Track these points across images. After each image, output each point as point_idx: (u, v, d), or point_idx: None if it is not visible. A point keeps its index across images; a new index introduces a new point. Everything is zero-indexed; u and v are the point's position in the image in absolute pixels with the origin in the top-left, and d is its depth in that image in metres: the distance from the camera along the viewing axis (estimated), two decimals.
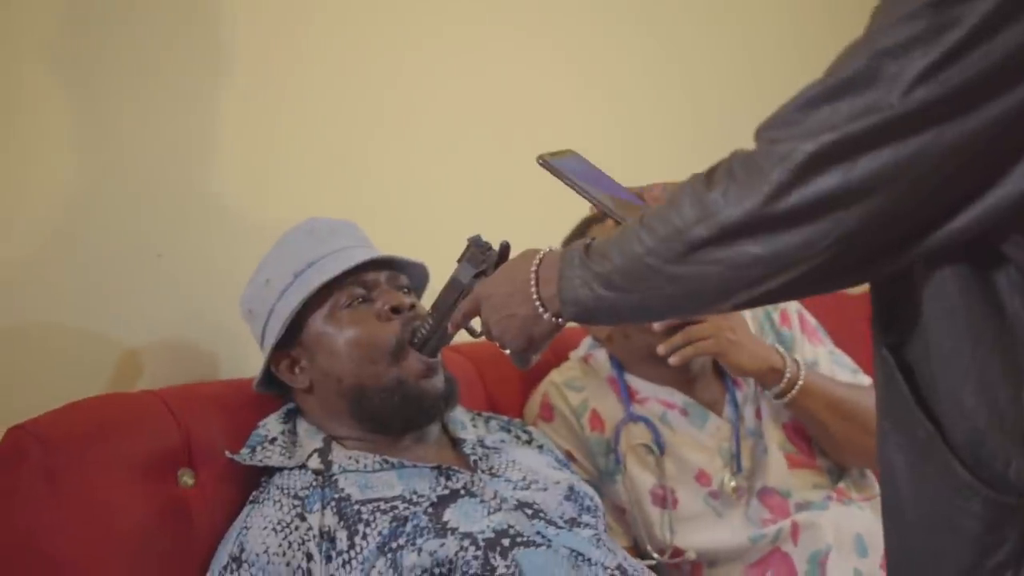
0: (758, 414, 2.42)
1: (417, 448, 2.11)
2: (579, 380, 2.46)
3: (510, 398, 2.47)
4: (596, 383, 2.45)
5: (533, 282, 1.66)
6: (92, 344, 2.22)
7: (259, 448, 2.07)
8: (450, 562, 1.88)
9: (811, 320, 2.56)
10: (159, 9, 2.32)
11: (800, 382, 2.31)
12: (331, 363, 2.08)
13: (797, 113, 1.36)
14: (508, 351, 1.79)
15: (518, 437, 2.24)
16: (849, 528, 2.33)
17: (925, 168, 1.30)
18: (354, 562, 1.91)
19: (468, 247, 1.93)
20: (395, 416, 2.07)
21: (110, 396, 2.12)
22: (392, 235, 2.27)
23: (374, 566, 1.90)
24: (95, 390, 2.15)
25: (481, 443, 2.15)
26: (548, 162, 1.76)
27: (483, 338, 1.86)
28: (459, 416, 2.20)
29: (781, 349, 2.35)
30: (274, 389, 2.16)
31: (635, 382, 2.44)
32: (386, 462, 2.04)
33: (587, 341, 2.53)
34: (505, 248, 1.90)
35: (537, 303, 1.66)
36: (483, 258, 1.91)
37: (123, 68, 2.26)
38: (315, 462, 2.04)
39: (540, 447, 2.23)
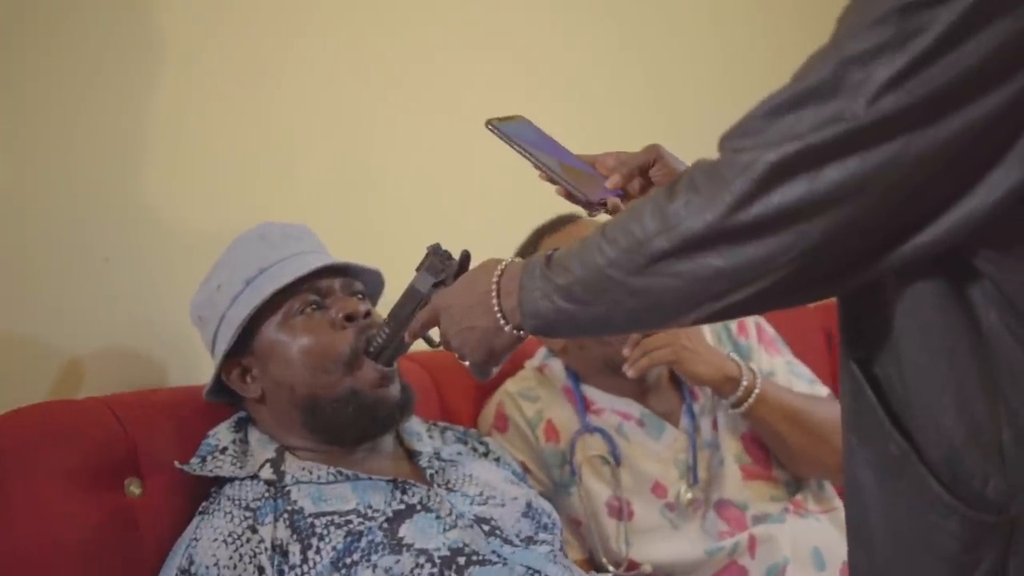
0: (715, 425, 2.40)
1: (372, 460, 2.06)
2: (534, 390, 2.42)
3: (464, 407, 2.43)
4: (551, 393, 2.42)
5: (495, 294, 1.62)
6: (35, 350, 2.16)
7: (209, 458, 2.02)
8: None
9: (769, 330, 2.54)
10: (101, 7, 2.26)
11: (756, 391, 2.29)
12: (284, 372, 2.03)
13: (761, 121, 1.32)
14: (467, 363, 1.75)
15: (475, 449, 2.20)
16: (806, 541, 2.31)
17: (891, 179, 1.27)
18: None
19: (427, 256, 1.89)
20: (349, 426, 2.02)
21: (54, 403, 2.06)
22: (346, 240, 2.23)
23: None
24: (37, 397, 2.08)
25: (437, 455, 2.11)
26: (497, 127, 1.73)
27: (441, 348, 1.82)
28: (415, 427, 2.15)
29: (737, 358, 2.33)
30: (224, 398, 2.11)
31: (591, 392, 2.41)
32: (340, 474, 1.99)
33: (542, 351, 2.50)
34: (465, 258, 1.86)
35: (499, 315, 1.62)
36: (442, 267, 1.87)
37: (65, 67, 2.20)
38: (267, 472, 1.99)
39: (497, 460, 2.19)
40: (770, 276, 1.35)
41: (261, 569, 1.87)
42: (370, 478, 1.99)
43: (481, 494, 2.04)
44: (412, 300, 1.90)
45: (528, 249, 2.40)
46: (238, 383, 2.07)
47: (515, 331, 1.62)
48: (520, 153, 1.73)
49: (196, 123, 2.38)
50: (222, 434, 2.07)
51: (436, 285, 1.86)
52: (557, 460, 2.35)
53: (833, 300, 3.04)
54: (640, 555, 2.30)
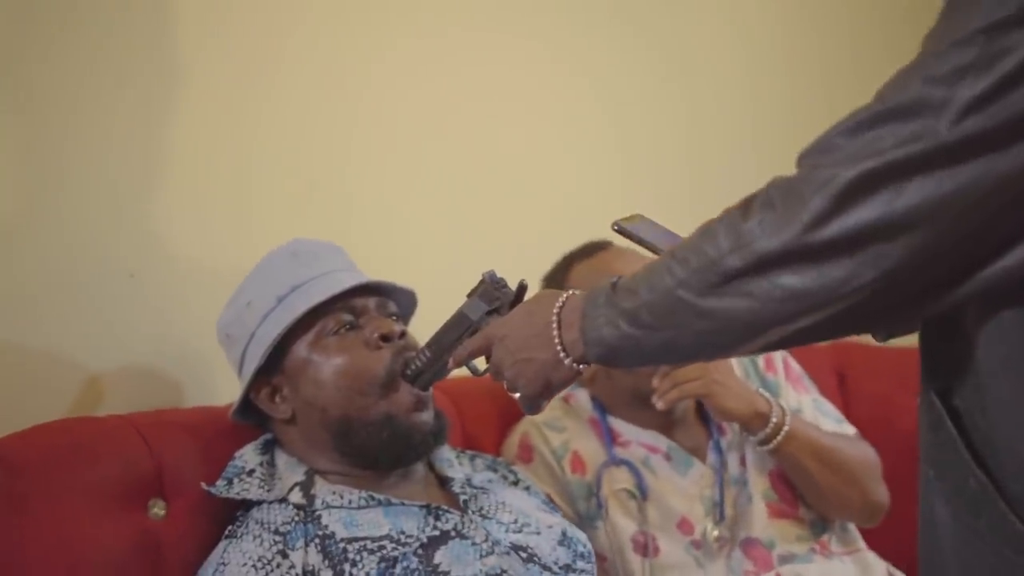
0: (742, 461, 2.36)
1: (403, 486, 2.01)
2: (560, 420, 2.38)
3: (487, 437, 2.38)
4: (577, 424, 2.37)
5: (555, 325, 1.59)
6: (56, 365, 2.12)
7: (236, 480, 1.96)
8: None
9: (796, 367, 2.50)
10: (130, 24, 2.23)
11: (786, 428, 2.25)
12: (316, 393, 1.98)
13: (841, 138, 1.30)
14: (517, 395, 1.71)
15: (505, 477, 2.15)
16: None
17: (973, 201, 1.25)
18: None
19: (481, 282, 1.84)
20: (383, 452, 1.97)
21: (78, 420, 2.02)
22: (374, 260, 2.18)
23: None
24: (56, 414, 2.05)
25: (469, 482, 2.06)
26: (623, 228, 1.75)
27: (484, 376, 1.79)
28: (445, 453, 2.10)
29: (767, 394, 2.29)
30: (251, 419, 2.05)
31: (617, 424, 2.37)
32: (372, 498, 1.94)
33: None
34: (522, 288, 1.82)
35: (559, 348, 1.59)
36: (497, 295, 1.82)
37: (91, 84, 2.17)
38: (296, 496, 1.93)
39: (527, 488, 2.14)
40: (846, 300, 1.32)
41: None
42: (403, 503, 1.94)
43: (516, 521, 1.99)
44: (460, 326, 1.85)
45: (558, 275, 2.36)
46: (267, 403, 2.02)
47: (575, 364, 1.59)
48: (650, 250, 1.74)
49: (224, 141, 2.35)
50: (249, 456, 2.01)
51: (489, 313, 1.82)
52: (583, 492, 2.30)
53: (843, 339, 3.05)
54: None
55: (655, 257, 1.68)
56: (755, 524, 2.30)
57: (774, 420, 2.24)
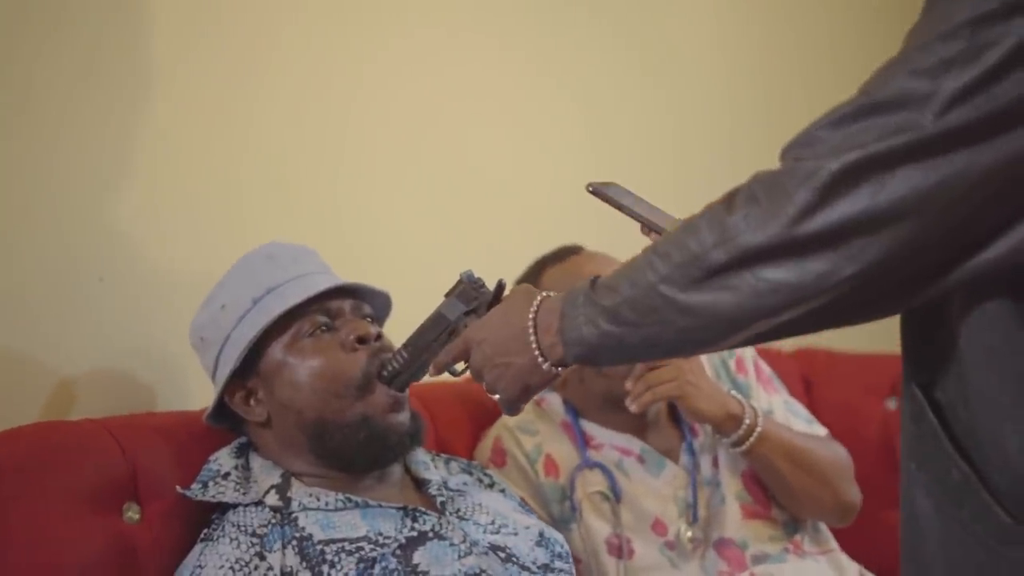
0: (715, 463, 2.36)
1: (380, 488, 2.00)
2: (533, 424, 2.37)
3: (460, 441, 2.38)
4: (550, 428, 2.37)
5: (531, 330, 1.60)
6: (27, 369, 2.09)
7: (211, 483, 1.95)
8: None
9: (766, 369, 2.51)
10: (104, 19, 2.21)
11: (759, 430, 2.26)
12: (291, 395, 1.97)
13: (824, 131, 1.31)
14: (497, 398, 1.71)
15: (480, 480, 2.14)
16: None
17: (957, 193, 1.26)
18: None
19: (459, 282, 1.84)
20: (359, 453, 1.96)
21: (51, 424, 1.99)
22: (352, 261, 2.18)
23: None
24: (28, 418, 2.01)
25: (445, 485, 2.05)
26: (598, 189, 1.75)
27: (462, 377, 1.79)
28: (420, 456, 2.10)
29: (739, 396, 2.30)
30: (225, 422, 2.04)
31: (590, 428, 2.37)
32: (349, 500, 1.93)
33: None
34: (500, 288, 1.82)
35: (536, 352, 1.59)
36: (475, 296, 1.82)
37: (64, 79, 2.15)
38: (272, 498, 1.92)
39: (503, 491, 2.14)
40: (830, 293, 1.32)
41: None
42: (380, 505, 1.93)
43: (493, 523, 1.98)
44: (437, 327, 1.85)
45: (530, 279, 2.36)
46: (242, 406, 2.00)
47: (553, 367, 1.59)
48: (627, 214, 1.75)
49: (196, 145, 2.34)
50: (223, 459, 2.00)
51: (467, 314, 1.81)
52: (557, 495, 2.30)
53: (809, 345, 3.06)
54: None
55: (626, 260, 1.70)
56: (728, 525, 2.31)
57: (747, 422, 2.25)
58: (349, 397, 1.95)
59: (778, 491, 2.33)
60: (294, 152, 2.50)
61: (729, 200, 1.36)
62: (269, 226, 2.30)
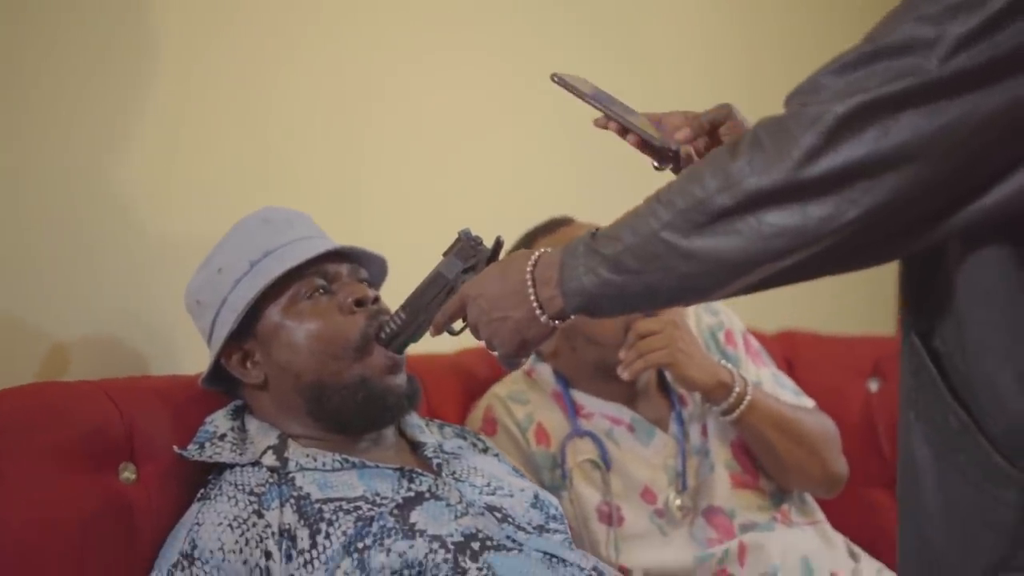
0: (704, 432, 2.38)
1: (376, 451, 2.01)
2: (524, 393, 2.39)
3: (451, 410, 2.39)
4: (541, 397, 2.39)
5: (530, 282, 1.60)
6: (21, 333, 2.10)
7: (208, 444, 1.96)
8: (420, 564, 1.79)
9: (755, 343, 2.54)
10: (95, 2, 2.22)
11: (748, 398, 2.28)
12: (289, 358, 1.98)
13: (829, 78, 1.33)
14: (497, 353, 1.72)
15: (474, 445, 2.15)
16: (795, 550, 2.29)
17: (961, 137, 1.28)
18: (316, 562, 1.81)
19: (457, 240, 1.84)
20: (357, 414, 1.97)
21: (47, 384, 2.00)
22: (341, 230, 2.17)
23: (339, 566, 1.80)
24: (22, 381, 2.00)
25: (440, 448, 2.06)
26: (564, 79, 1.73)
27: (454, 348, 1.79)
28: (415, 420, 2.10)
29: (730, 365, 2.32)
30: (221, 385, 2.05)
31: (580, 397, 2.38)
32: (346, 461, 1.94)
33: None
34: (498, 245, 1.82)
35: (534, 305, 1.60)
36: (473, 253, 1.82)
37: (60, 57, 2.15)
38: (270, 459, 1.93)
39: (497, 456, 2.15)
40: (833, 236, 1.34)
41: (268, 554, 1.81)
42: (377, 466, 1.94)
43: (488, 484, 1.99)
44: (436, 285, 1.85)
45: (521, 247, 2.37)
46: (238, 368, 2.01)
47: (551, 320, 1.60)
48: (590, 103, 1.73)
49: (189, 112, 2.34)
50: (220, 421, 2.00)
51: (465, 271, 1.82)
52: (548, 463, 2.32)
53: (792, 328, 3.07)
54: (630, 561, 2.26)
55: None
56: (717, 493, 2.33)
57: (736, 390, 2.27)
58: (347, 359, 1.96)
59: (767, 461, 2.35)
60: (284, 122, 2.51)
61: (733, 146, 1.38)
62: (265, 192, 2.30)
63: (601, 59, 3.16)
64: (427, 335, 1.90)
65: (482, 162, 2.89)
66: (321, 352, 1.96)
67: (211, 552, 1.81)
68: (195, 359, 2.11)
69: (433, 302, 1.85)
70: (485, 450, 2.15)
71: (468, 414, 2.42)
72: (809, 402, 2.46)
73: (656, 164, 1.76)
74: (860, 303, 3.50)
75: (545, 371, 2.42)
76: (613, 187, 2.79)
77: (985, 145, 1.29)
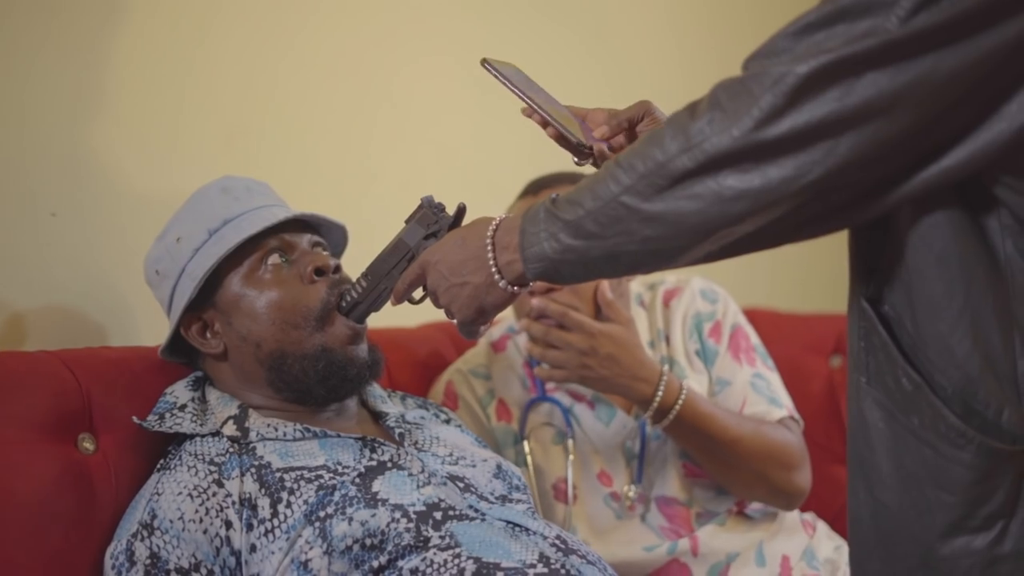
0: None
1: (337, 421, 2.00)
2: (486, 368, 2.37)
3: (413, 385, 2.38)
4: (504, 371, 2.37)
5: (490, 247, 1.59)
6: None
7: (168, 415, 1.94)
8: (382, 533, 1.78)
9: (750, 340, 2.43)
10: None
11: (671, 415, 2.17)
12: (249, 327, 1.96)
13: (789, 40, 1.32)
14: (455, 321, 1.71)
15: (437, 415, 2.14)
16: (750, 540, 2.27)
17: (921, 97, 1.28)
18: (278, 531, 1.79)
19: (419, 207, 1.82)
20: (318, 385, 1.95)
21: (5, 354, 1.96)
22: (300, 201, 2.16)
23: (300, 535, 1.79)
24: None
25: (403, 418, 2.05)
26: (493, 66, 1.72)
27: (425, 308, 1.78)
28: (377, 391, 2.09)
29: (666, 374, 2.18)
30: (180, 357, 2.03)
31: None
32: (308, 431, 1.92)
33: (504, 324, 2.44)
34: (460, 211, 1.80)
35: (493, 270, 1.59)
36: (435, 219, 1.80)
37: (20, 18, 2.13)
38: (230, 429, 1.92)
39: (459, 427, 2.14)
40: (793, 199, 1.33)
41: (229, 523, 1.80)
42: (338, 435, 1.93)
43: (451, 454, 1.98)
44: (397, 253, 1.84)
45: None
46: (198, 339, 1.99)
47: (510, 286, 1.59)
48: (514, 92, 1.72)
49: (153, 82, 2.32)
50: (179, 392, 1.99)
51: (427, 238, 1.80)
52: (509, 439, 2.31)
53: (753, 306, 3.06)
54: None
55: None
56: (672, 482, 2.30)
57: (655, 405, 2.16)
58: (308, 328, 1.95)
59: (706, 471, 2.28)
60: (247, 93, 2.49)
61: (692, 108, 1.37)
62: (223, 164, 2.28)
63: (575, 51, 3.17)
64: (388, 304, 1.89)
65: (453, 140, 2.89)
66: (281, 321, 1.95)
67: (171, 522, 1.79)
68: (155, 330, 2.10)
69: (394, 269, 1.85)
70: (448, 421, 2.14)
71: (430, 388, 2.40)
72: (778, 413, 2.32)
73: (576, 160, 1.76)
74: (822, 280, 3.51)
75: (522, 341, 2.38)
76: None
77: (947, 105, 1.29)
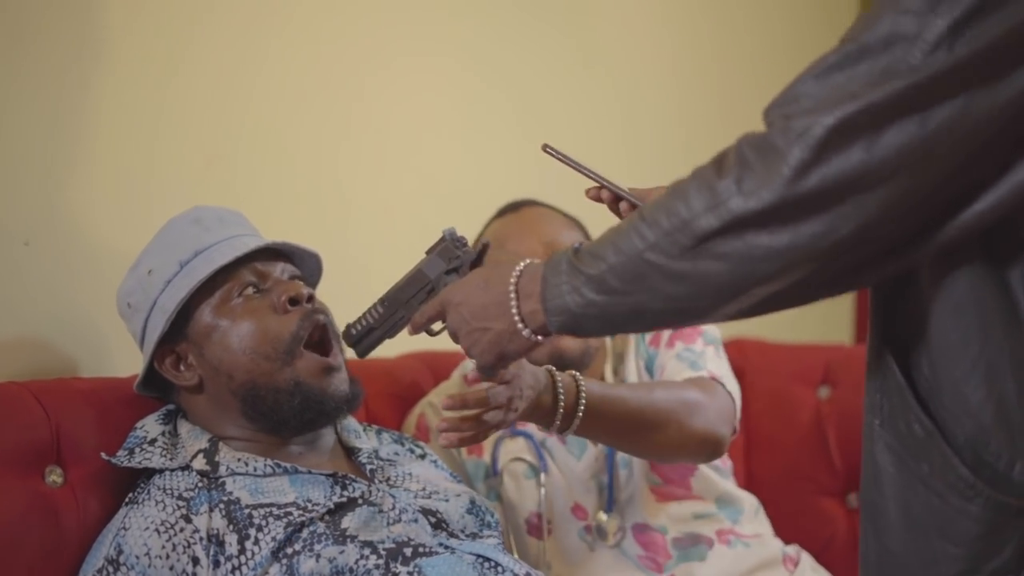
0: None
1: (310, 455, 1.99)
2: None
3: (389, 416, 2.37)
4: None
5: (513, 295, 1.55)
6: None
7: (138, 450, 1.93)
8: (350, 570, 1.77)
9: (703, 329, 2.36)
10: None
11: (575, 423, 2.02)
12: (221, 357, 1.94)
13: (811, 85, 1.28)
14: (474, 362, 1.68)
15: (412, 451, 2.13)
16: (729, 573, 2.25)
17: (953, 141, 1.24)
18: (245, 568, 1.79)
19: (441, 240, 1.78)
20: (294, 418, 1.94)
21: None
22: (273, 233, 2.14)
23: (267, 572, 1.78)
24: None
25: (376, 454, 2.04)
26: (557, 151, 1.73)
27: (399, 340, 1.76)
28: (352, 425, 2.08)
29: (561, 388, 2.00)
30: (155, 390, 2.02)
31: None
32: (278, 466, 1.91)
33: None
34: (484, 248, 1.77)
35: (516, 318, 1.55)
36: (457, 254, 1.77)
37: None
38: (200, 463, 1.90)
39: (435, 462, 2.13)
40: (825, 255, 1.30)
41: (196, 560, 1.79)
42: (309, 472, 1.92)
43: (424, 489, 1.98)
44: (416, 284, 1.80)
45: (487, 226, 2.38)
46: (172, 371, 1.98)
47: (533, 335, 1.56)
48: (582, 172, 1.72)
49: (127, 113, 2.31)
50: (150, 426, 1.97)
51: (448, 272, 1.77)
52: (480, 473, 2.29)
53: (741, 336, 3.05)
54: None
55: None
56: (644, 509, 2.28)
57: (557, 423, 2.00)
58: (278, 361, 1.93)
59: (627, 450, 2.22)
60: (221, 123, 2.48)
61: (718, 163, 1.33)
62: (197, 195, 2.26)
63: (562, 52, 3.16)
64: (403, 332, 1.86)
65: (435, 166, 2.89)
66: (252, 351, 1.93)
67: (137, 557, 1.78)
68: (128, 361, 2.09)
69: (413, 300, 1.80)
70: (423, 456, 2.13)
71: (404, 420, 2.38)
72: (700, 374, 2.24)
73: None
74: (814, 311, 3.50)
75: None
76: (570, 185, 2.77)
77: (979, 147, 1.26)
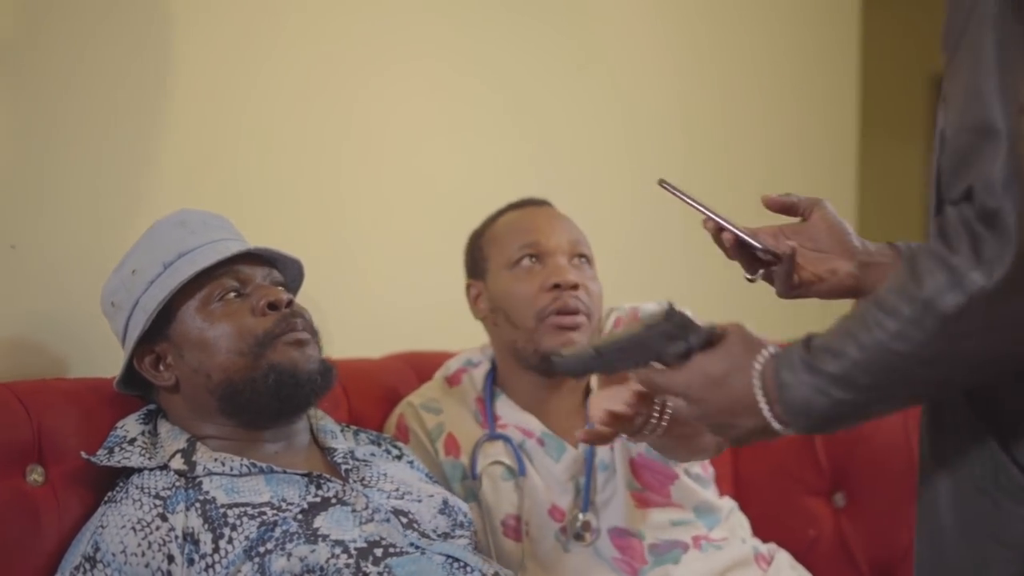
0: (611, 447, 2.31)
1: (286, 455, 2.02)
2: (437, 402, 2.38)
3: (372, 415, 2.39)
4: (455, 406, 2.37)
5: (763, 401, 1.46)
6: None
7: (117, 449, 1.96)
8: (321, 569, 1.81)
9: None
10: None
11: None
12: (200, 358, 1.98)
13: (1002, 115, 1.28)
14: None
15: (388, 451, 2.16)
16: (703, 574, 2.27)
17: None
18: (218, 566, 1.82)
19: (667, 317, 1.61)
20: (272, 400, 1.96)
21: None
22: (263, 234, 2.17)
23: (239, 571, 1.82)
24: None
25: (352, 454, 2.07)
26: (671, 186, 1.72)
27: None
28: (329, 426, 2.12)
29: None
30: (135, 389, 2.05)
31: (501, 407, 2.36)
32: (254, 466, 1.95)
33: (463, 357, 2.46)
34: (712, 334, 1.59)
35: (771, 419, 1.46)
36: (683, 335, 1.59)
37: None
38: (178, 462, 1.94)
39: (411, 463, 2.16)
40: None
41: (171, 557, 1.82)
42: (285, 471, 1.95)
43: (397, 490, 2.01)
44: (638, 354, 1.63)
45: (487, 223, 2.40)
46: (150, 371, 2.01)
47: (786, 429, 1.48)
48: (696, 207, 1.70)
49: (115, 114, 2.33)
50: (130, 425, 2.01)
51: (672, 351, 1.60)
52: (458, 474, 2.32)
53: None
54: None
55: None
56: (622, 514, 2.29)
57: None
58: (250, 355, 1.96)
59: None
60: (210, 125, 2.50)
61: (943, 238, 1.30)
62: (185, 198, 2.29)
63: (559, 57, 3.17)
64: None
65: (430, 170, 2.91)
66: (227, 350, 1.97)
67: (113, 555, 1.81)
68: (113, 361, 2.10)
69: (629, 364, 1.65)
70: (400, 456, 2.16)
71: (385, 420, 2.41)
72: None
73: (748, 275, 1.71)
74: (807, 310, 3.51)
75: (478, 375, 2.40)
76: (566, 183, 2.79)
77: None
